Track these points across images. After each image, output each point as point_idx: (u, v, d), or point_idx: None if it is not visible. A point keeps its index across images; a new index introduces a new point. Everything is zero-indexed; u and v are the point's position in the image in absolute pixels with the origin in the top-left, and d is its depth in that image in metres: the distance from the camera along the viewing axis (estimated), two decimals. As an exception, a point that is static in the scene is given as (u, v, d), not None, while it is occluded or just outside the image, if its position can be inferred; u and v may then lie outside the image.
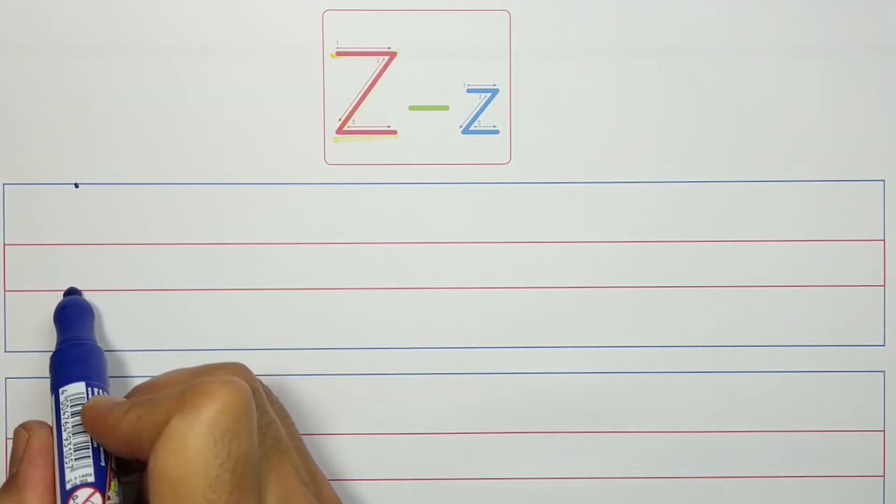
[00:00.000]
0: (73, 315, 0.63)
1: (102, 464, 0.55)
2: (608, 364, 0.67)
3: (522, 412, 0.67)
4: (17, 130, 0.66)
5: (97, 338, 0.63)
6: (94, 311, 0.65)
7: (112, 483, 0.55)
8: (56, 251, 0.66)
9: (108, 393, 0.59)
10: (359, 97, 0.66)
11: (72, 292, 0.65)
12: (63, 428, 0.56)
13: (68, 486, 0.54)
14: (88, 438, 0.56)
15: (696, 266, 0.67)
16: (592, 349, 0.67)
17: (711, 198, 0.67)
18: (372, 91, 0.66)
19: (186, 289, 0.66)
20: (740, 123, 0.67)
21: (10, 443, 0.64)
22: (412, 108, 0.67)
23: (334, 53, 0.66)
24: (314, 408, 0.67)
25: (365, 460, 0.67)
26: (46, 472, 0.56)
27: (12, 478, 0.56)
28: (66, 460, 0.55)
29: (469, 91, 0.66)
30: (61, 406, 0.57)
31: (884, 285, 0.67)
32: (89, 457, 0.55)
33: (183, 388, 0.51)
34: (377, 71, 0.66)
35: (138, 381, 0.63)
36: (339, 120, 0.66)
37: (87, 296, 0.66)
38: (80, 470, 0.54)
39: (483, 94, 0.66)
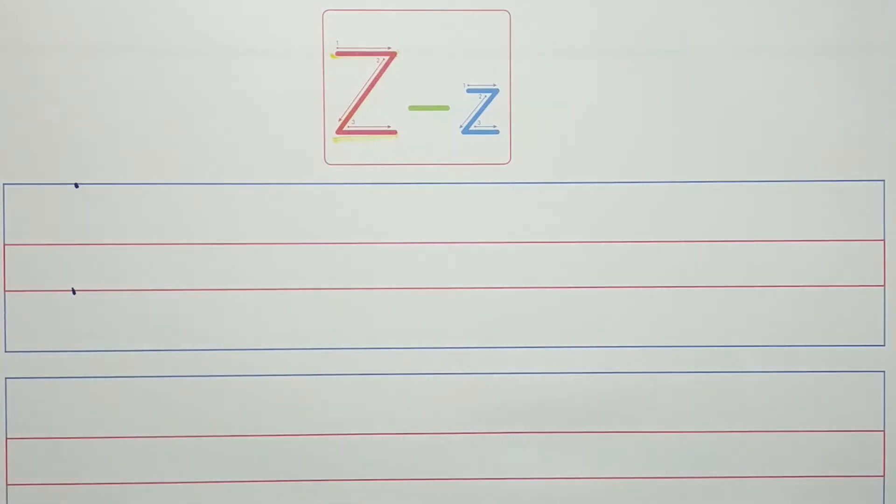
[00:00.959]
0: None
1: None
2: (608, 364, 0.67)
3: (522, 412, 0.67)
4: (17, 130, 0.66)
5: (98, 338, 0.63)
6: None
7: None
8: (56, 251, 0.66)
9: None
10: (359, 97, 0.66)
11: None
12: None
13: None
14: None
15: (696, 266, 0.67)
16: (592, 349, 0.67)
17: (712, 198, 0.67)
18: (372, 91, 0.66)
19: (186, 288, 0.66)
20: (741, 124, 0.67)
21: (9, 443, 0.64)
22: (412, 107, 0.67)
23: (334, 53, 0.66)
24: (314, 408, 0.67)
25: (364, 460, 0.67)
26: None
27: None
28: None
29: (469, 91, 0.66)
30: None
31: (884, 285, 0.67)
32: None
33: None
34: (377, 71, 0.66)
35: (139, 381, 0.63)
36: (339, 120, 0.66)
37: (87, 295, 0.66)
38: None
39: (483, 94, 0.66)
